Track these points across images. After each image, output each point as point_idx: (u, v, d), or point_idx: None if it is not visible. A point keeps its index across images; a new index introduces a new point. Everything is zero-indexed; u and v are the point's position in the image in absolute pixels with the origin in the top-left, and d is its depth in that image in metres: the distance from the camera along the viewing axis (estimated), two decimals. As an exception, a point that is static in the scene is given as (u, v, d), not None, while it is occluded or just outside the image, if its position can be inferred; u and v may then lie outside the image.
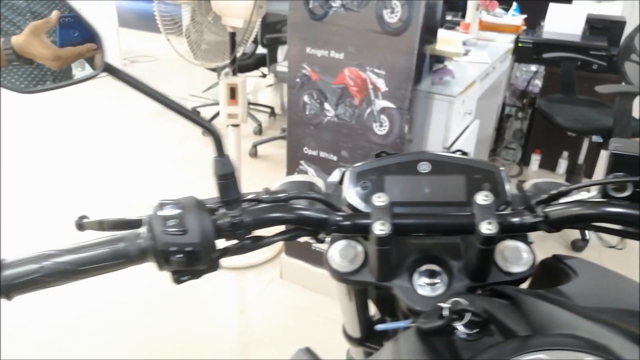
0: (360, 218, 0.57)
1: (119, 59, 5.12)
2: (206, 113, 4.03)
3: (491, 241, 0.54)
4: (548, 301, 0.50)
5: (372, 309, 0.81)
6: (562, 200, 0.59)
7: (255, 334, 1.94)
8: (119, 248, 0.49)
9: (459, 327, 0.51)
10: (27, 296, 0.49)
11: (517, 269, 0.60)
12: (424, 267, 0.61)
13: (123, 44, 5.22)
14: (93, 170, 3.14)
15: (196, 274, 0.52)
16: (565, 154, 3.33)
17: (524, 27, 3.20)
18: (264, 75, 3.05)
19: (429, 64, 1.85)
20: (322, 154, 1.89)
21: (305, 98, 1.83)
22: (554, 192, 0.59)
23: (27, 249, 0.48)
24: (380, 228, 0.54)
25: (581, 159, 2.78)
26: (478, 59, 2.37)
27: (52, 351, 1.80)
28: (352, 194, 0.69)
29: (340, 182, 0.76)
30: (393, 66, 1.63)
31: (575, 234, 2.59)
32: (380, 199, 0.56)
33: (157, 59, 5.75)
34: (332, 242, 0.67)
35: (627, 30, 3.21)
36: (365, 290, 0.76)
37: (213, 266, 0.52)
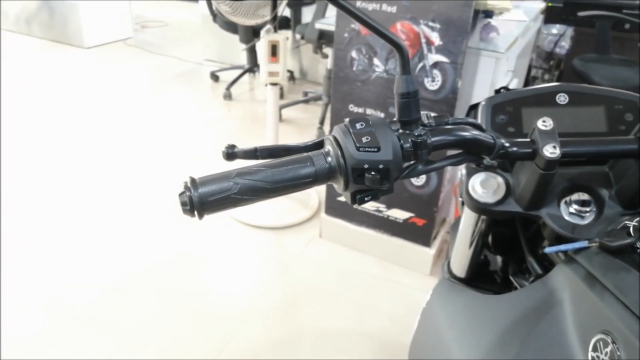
0: (525, 143, 0.56)
1: (130, 23, 5.03)
2: (225, 77, 3.98)
3: None
4: None
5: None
6: None
7: (297, 293, 1.95)
8: (308, 167, 0.48)
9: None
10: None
11: None
12: (575, 196, 0.61)
13: (134, 9, 5.14)
14: (120, 138, 3.12)
15: (376, 195, 0.51)
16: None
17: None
18: (302, 37, 2.99)
19: (475, 19, 1.82)
20: (369, 111, 1.87)
21: (353, 53, 1.80)
22: None
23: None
24: (551, 151, 0.53)
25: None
26: (515, 16, 2.33)
27: (90, 314, 1.82)
28: (487, 127, 0.69)
29: (467, 114, 0.75)
30: (449, 19, 1.60)
31: None
32: (544, 124, 0.55)
33: (167, 24, 5.67)
34: (468, 175, 0.67)
35: (659, -12, 3.16)
36: (488, 230, 0.76)
37: (391, 188, 0.51)
